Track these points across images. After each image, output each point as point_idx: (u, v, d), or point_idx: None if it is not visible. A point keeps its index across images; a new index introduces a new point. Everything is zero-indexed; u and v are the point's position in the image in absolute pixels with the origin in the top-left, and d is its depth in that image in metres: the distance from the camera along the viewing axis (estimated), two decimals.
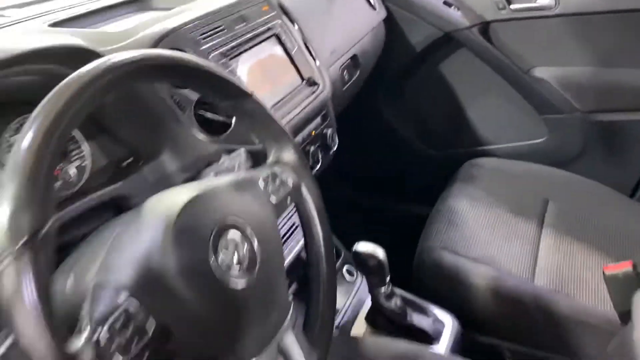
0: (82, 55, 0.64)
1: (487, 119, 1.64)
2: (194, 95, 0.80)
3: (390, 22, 1.54)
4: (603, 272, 0.97)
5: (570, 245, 1.16)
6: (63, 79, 0.48)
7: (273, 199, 0.63)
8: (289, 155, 0.69)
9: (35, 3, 1.02)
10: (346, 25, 1.31)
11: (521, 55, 1.51)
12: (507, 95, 1.57)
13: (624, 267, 0.97)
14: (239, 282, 0.52)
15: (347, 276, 1.15)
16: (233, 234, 0.54)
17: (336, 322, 1.06)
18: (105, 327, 0.43)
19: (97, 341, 0.42)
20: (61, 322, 0.41)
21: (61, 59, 0.64)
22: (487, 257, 1.12)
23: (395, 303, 1.00)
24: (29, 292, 0.39)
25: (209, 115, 0.81)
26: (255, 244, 0.56)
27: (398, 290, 1.03)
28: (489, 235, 1.19)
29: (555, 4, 1.42)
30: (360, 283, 1.15)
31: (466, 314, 1.09)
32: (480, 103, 1.63)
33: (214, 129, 0.81)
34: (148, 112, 0.78)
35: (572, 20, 1.43)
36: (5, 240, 0.39)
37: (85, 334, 0.42)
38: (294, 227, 1.09)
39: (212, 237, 0.52)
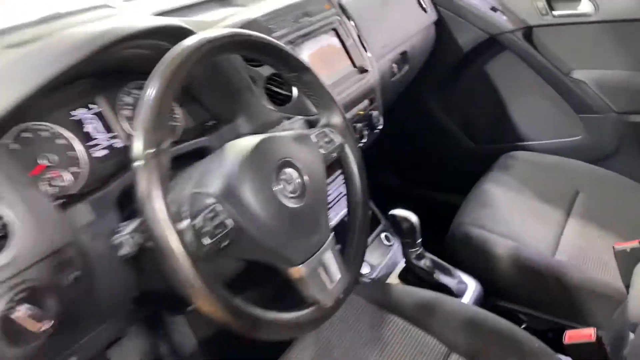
0: (185, 34, 0.82)
1: (527, 116, 1.74)
2: (264, 73, 0.98)
3: (440, 24, 1.68)
4: (613, 248, 1.07)
5: (594, 232, 1.25)
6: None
7: (322, 150, 0.80)
8: (337, 119, 0.85)
9: None
10: (398, 25, 1.46)
11: (561, 58, 1.61)
12: (547, 95, 1.67)
13: (632, 243, 1.08)
14: (292, 205, 0.69)
15: (385, 241, 1.31)
16: (290, 170, 0.71)
17: (372, 276, 1.22)
18: (199, 218, 0.61)
19: (194, 225, 0.60)
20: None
21: (169, 36, 0.83)
22: (512, 234, 1.24)
23: (425, 263, 1.14)
24: (155, 184, 0.57)
25: (275, 89, 0.99)
26: (306, 179, 0.73)
27: (428, 254, 1.18)
28: (517, 217, 1.31)
29: (595, 10, 1.51)
30: (396, 248, 1.30)
31: (489, 281, 1.21)
32: (521, 101, 1.74)
33: (278, 100, 0.99)
34: (229, 85, 0.96)
35: (610, 26, 1.51)
36: (141, 148, 0.58)
37: (186, 221, 0.60)
38: (340, 195, 1.25)
39: (274, 169, 0.69)
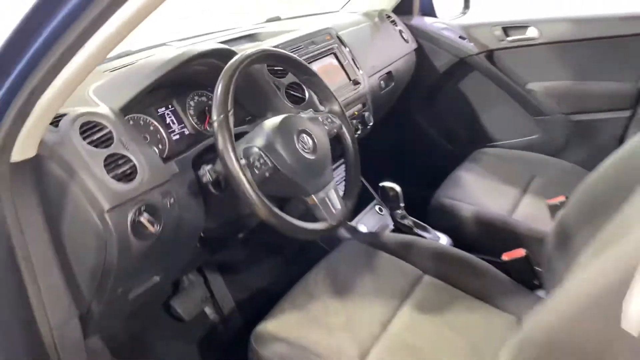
0: (232, 54, 1.20)
1: (493, 121, 2.10)
2: (285, 82, 1.35)
3: (419, 51, 2.05)
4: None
5: (544, 202, 1.58)
6: (219, 70, 1.04)
7: (326, 127, 1.17)
8: (336, 108, 1.22)
9: (191, 38, 1.64)
10: (384, 51, 1.84)
11: (517, 73, 1.97)
12: (508, 104, 2.03)
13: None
14: (308, 156, 1.06)
15: (378, 211, 1.66)
16: (305, 135, 1.08)
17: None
18: (251, 158, 0.98)
19: (249, 162, 0.97)
20: None
21: (221, 56, 1.21)
22: (476, 202, 1.58)
23: (407, 222, 1.49)
24: (226, 133, 0.94)
25: (293, 93, 1.36)
26: (316, 142, 1.09)
27: (410, 217, 1.52)
28: (483, 192, 1.64)
29: (540, 35, 1.89)
30: (386, 216, 1.64)
31: (458, 237, 1.54)
32: (488, 110, 2.09)
33: (296, 100, 1.36)
34: (260, 91, 1.34)
35: (552, 46, 1.88)
36: (216, 114, 0.95)
37: (244, 160, 0.97)
38: (341, 178, 1.61)
39: (295, 134, 1.06)
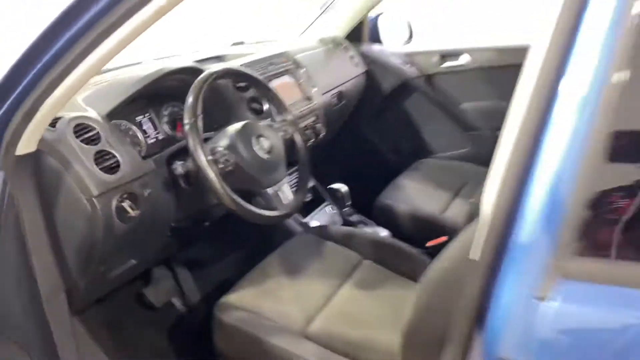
0: (200, 71, 1.40)
1: (432, 136, 2.34)
2: (247, 96, 1.56)
3: (368, 73, 2.27)
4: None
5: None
6: (190, 84, 1.23)
7: (280, 133, 1.37)
8: (289, 118, 1.43)
9: (165, 58, 1.83)
10: (336, 73, 2.06)
11: (452, 94, 2.23)
12: (444, 121, 2.27)
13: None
14: (265, 156, 1.25)
15: (328, 210, 1.86)
16: (263, 139, 1.28)
17: None
18: (217, 155, 1.17)
19: (215, 158, 1.16)
20: None
21: (191, 73, 1.40)
22: (413, 203, 1.80)
23: (353, 218, 1.69)
24: (196, 134, 1.13)
25: (254, 105, 1.56)
26: (272, 144, 1.29)
27: (356, 214, 1.73)
28: (418, 195, 1.87)
29: (471, 61, 2.15)
30: (337, 215, 1.85)
31: (396, 231, 1.76)
32: (427, 126, 2.33)
33: (256, 111, 1.56)
34: (225, 103, 1.53)
35: (482, 71, 2.15)
36: (188, 117, 1.14)
37: (211, 156, 1.16)
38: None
39: (254, 137, 1.26)
